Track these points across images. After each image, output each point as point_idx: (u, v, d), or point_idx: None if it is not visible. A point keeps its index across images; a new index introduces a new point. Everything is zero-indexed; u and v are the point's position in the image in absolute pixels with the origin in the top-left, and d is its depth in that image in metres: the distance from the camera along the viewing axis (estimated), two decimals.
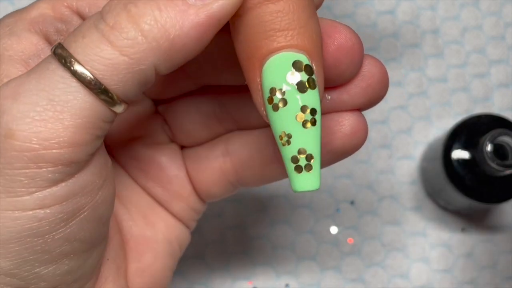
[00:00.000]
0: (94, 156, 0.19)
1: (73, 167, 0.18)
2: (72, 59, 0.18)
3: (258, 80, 0.19)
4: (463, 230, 0.39)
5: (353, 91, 0.22)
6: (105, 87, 0.18)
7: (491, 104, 0.40)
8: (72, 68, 0.18)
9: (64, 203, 0.19)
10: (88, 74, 0.18)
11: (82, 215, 0.19)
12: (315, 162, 0.20)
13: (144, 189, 0.26)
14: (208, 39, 0.19)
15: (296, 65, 0.19)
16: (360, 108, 0.23)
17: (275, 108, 0.19)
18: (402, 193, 0.39)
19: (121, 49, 0.18)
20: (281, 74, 0.19)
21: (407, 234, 0.39)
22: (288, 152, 0.20)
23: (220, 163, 0.26)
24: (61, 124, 0.18)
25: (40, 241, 0.18)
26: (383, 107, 0.40)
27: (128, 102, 0.19)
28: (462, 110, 0.40)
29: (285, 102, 0.19)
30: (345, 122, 0.22)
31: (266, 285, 0.38)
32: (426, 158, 0.39)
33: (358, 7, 0.41)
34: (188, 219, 0.27)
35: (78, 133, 0.18)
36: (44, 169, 0.18)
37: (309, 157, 0.20)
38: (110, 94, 0.18)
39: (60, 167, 0.18)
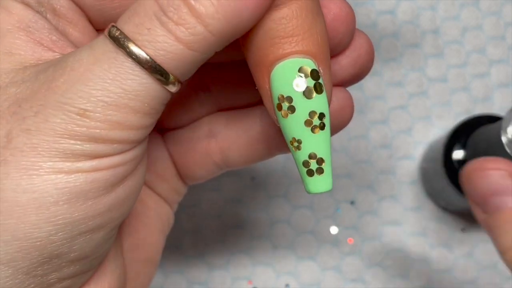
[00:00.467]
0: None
1: (134, 144, 0.20)
2: (141, 52, 0.18)
3: (267, 86, 0.20)
4: (463, 230, 0.39)
5: (344, 62, 0.23)
6: (173, 77, 0.19)
7: (491, 104, 0.40)
8: (137, 55, 0.18)
9: (114, 169, 0.19)
10: (159, 67, 0.18)
11: (125, 183, 0.20)
12: (326, 165, 0.20)
13: None
14: (263, 15, 0.19)
15: (302, 71, 0.19)
16: (348, 82, 0.23)
17: (284, 114, 0.20)
18: (402, 193, 0.39)
19: (188, 44, 0.18)
20: (287, 81, 0.19)
21: (407, 234, 0.39)
22: (300, 156, 0.20)
23: (205, 144, 0.26)
24: (132, 110, 0.19)
25: (84, 205, 0.19)
26: (383, 107, 0.40)
27: (182, 83, 0.20)
28: (462, 110, 0.40)
29: (293, 109, 0.19)
30: (333, 99, 0.22)
31: (266, 285, 0.38)
32: (426, 159, 0.39)
33: (358, 6, 0.41)
34: (171, 200, 0.27)
35: (145, 118, 0.19)
36: (109, 145, 0.19)
37: (320, 161, 0.20)
38: (174, 82, 0.19)
39: (124, 144, 0.19)
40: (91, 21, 0.22)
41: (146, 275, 0.25)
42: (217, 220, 0.39)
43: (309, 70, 0.19)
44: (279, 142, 0.25)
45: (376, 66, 0.41)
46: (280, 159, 0.39)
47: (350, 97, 0.23)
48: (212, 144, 0.26)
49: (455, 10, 0.41)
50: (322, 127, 0.20)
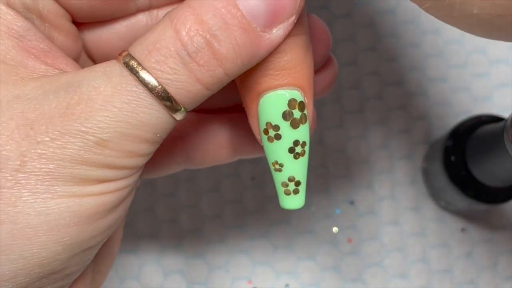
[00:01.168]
0: None
1: (139, 169, 0.21)
2: (163, 90, 0.19)
3: (255, 109, 0.21)
4: (463, 230, 0.39)
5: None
6: (184, 109, 0.20)
7: (491, 104, 0.40)
8: (160, 96, 0.19)
9: (119, 192, 0.20)
10: (177, 104, 0.19)
11: (124, 203, 0.21)
12: (302, 186, 0.22)
13: None
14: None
15: (291, 104, 0.21)
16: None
17: (270, 140, 0.22)
18: (402, 193, 0.39)
19: (206, 85, 0.19)
20: (276, 111, 0.21)
21: (407, 234, 0.39)
22: (280, 177, 0.22)
23: (171, 144, 0.27)
24: (145, 141, 0.20)
25: (91, 226, 0.20)
26: (382, 107, 0.40)
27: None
28: (462, 110, 0.40)
29: (279, 137, 0.21)
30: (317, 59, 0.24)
31: (266, 285, 0.38)
32: (426, 159, 0.39)
33: (358, 6, 0.41)
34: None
35: (154, 146, 0.20)
36: (119, 171, 0.20)
37: (297, 183, 0.22)
38: (184, 112, 0.20)
39: (131, 170, 0.20)
40: (73, 18, 0.23)
41: (106, 267, 0.26)
42: (217, 220, 0.39)
43: (297, 102, 0.21)
44: (244, 149, 0.27)
45: (376, 65, 0.41)
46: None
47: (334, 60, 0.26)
48: (177, 144, 0.27)
49: None
50: (303, 154, 0.22)
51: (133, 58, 0.19)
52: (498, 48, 0.41)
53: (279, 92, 0.21)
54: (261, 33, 0.19)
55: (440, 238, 0.39)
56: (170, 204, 0.39)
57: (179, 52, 0.19)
